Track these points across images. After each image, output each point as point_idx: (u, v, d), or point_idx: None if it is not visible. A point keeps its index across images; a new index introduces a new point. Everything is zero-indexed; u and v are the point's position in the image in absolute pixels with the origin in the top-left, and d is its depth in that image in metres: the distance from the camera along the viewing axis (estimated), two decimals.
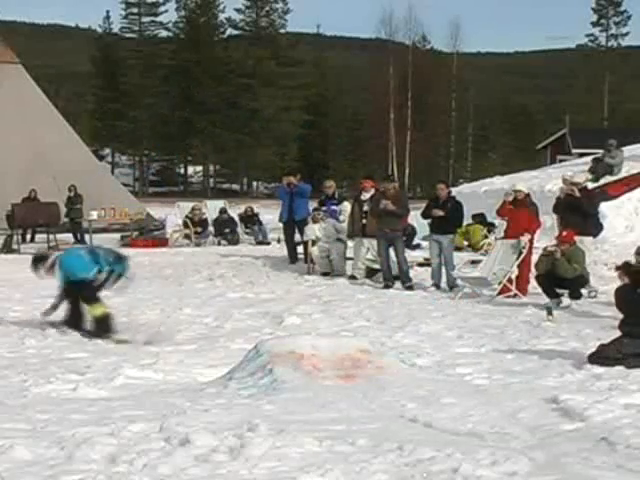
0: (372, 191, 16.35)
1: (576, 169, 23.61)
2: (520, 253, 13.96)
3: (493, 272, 13.88)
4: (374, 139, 70.78)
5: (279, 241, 20.63)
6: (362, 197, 16.40)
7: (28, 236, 24.09)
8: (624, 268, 9.20)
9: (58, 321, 10.76)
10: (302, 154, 72.58)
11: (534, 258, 13.78)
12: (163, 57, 75.47)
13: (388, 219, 15.25)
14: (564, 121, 53.37)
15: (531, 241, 14.46)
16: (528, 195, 15.02)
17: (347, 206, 17.80)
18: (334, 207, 18.26)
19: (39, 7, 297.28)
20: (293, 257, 18.45)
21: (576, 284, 12.87)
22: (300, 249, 18.51)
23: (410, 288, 14.88)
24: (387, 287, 15.05)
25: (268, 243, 23.37)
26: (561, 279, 12.81)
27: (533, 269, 13.62)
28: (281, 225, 19.42)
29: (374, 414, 6.65)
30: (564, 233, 13.33)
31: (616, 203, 19.06)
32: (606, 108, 76.06)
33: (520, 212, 14.43)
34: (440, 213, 15.11)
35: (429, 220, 15.85)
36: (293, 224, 18.48)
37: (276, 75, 72.37)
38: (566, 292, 12.89)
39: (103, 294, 10.75)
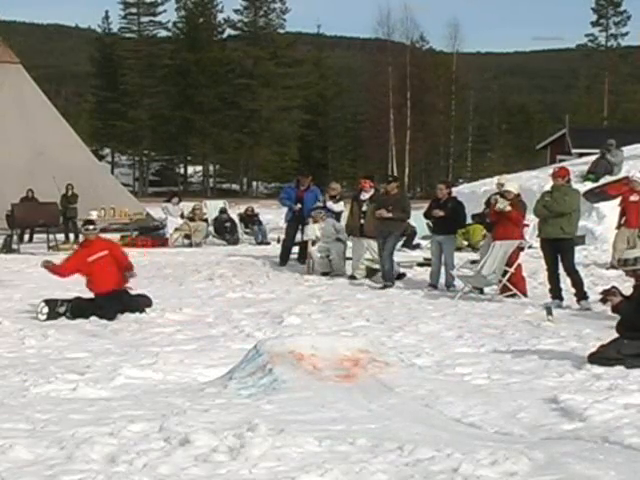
0: (371, 191, 16.36)
1: (576, 169, 23.66)
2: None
3: (493, 271, 13.86)
4: (374, 139, 70.80)
5: (279, 241, 20.60)
6: (361, 197, 16.39)
7: (26, 236, 24.09)
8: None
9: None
10: (302, 154, 72.57)
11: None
12: (162, 57, 75.48)
13: (389, 222, 15.20)
14: (564, 121, 53.29)
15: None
16: (518, 195, 14.73)
17: (335, 206, 17.93)
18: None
19: (39, 7, 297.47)
20: (285, 259, 18.35)
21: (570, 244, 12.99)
22: (294, 249, 18.51)
23: (386, 287, 14.84)
24: (386, 287, 15.03)
25: (268, 243, 23.41)
26: (557, 240, 12.83)
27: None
28: (282, 225, 19.38)
29: (374, 414, 6.65)
30: (557, 169, 13.69)
31: (616, 203, 19.01)
32: (606, 108, 76.07)
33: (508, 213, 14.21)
34: (440, 214, 15.05)
35: (431, 220, 15.82)
36: (297, 225, 18.45)
37: (275, 75, 72.40)
38: (572, 295, 12.86)
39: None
